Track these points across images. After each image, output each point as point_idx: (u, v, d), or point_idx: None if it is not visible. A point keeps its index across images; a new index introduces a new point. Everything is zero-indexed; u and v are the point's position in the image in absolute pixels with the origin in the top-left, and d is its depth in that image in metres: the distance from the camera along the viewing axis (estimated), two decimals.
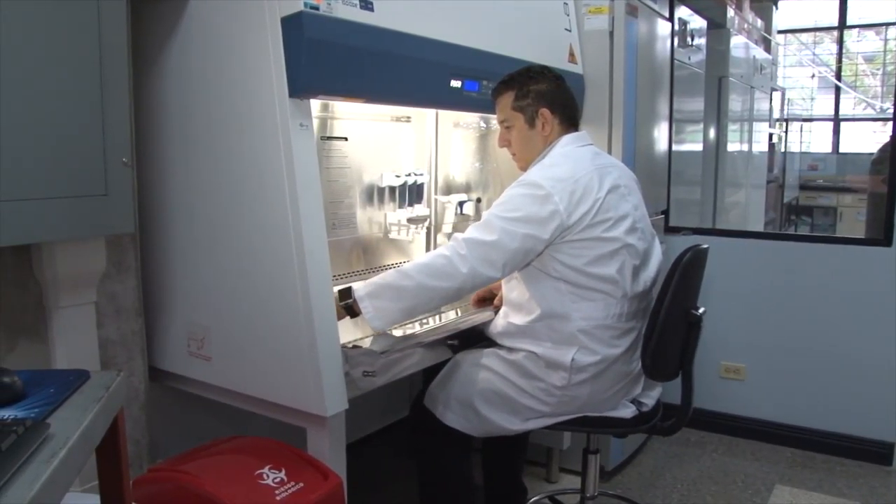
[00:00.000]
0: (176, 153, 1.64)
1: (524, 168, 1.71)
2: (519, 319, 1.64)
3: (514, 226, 1.51)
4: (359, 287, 1.52)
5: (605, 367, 1.59)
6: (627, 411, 1.67)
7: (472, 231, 1.53)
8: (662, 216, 2.87)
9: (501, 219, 1.52)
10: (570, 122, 1.71)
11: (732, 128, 4.08)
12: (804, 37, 7.60)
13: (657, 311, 1.60)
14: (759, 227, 4.69)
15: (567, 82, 1.73)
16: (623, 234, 1.58)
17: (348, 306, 1.51)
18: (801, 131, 7.10)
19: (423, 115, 2.43)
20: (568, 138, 1.68)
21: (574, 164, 1.59)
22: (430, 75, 1.72)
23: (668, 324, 1.60)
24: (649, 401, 1.72)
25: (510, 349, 1.66)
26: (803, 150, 7.09)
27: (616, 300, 1.58)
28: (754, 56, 4.48)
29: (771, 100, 5.11)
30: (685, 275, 1.62)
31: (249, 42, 1.45)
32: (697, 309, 1.69)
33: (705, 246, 1.74)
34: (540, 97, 1.67)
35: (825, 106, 7.46)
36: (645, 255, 1.65)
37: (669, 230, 2.91)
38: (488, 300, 1.86)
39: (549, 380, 1.60)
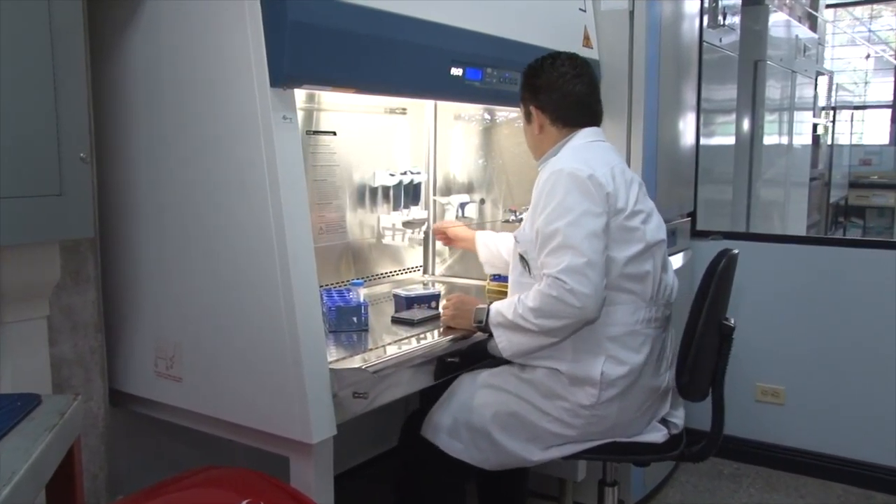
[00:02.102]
0: (142, 148, 1.67)
1: (539, 157, 1.78)
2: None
3: (588, 225, 1.55)
4: (494, 313, 1.65)
5: (634, 379, 1.63)
6: (659, 435, 1.70)
7: (553, 260, 1.54)
8: (688, 219, 2.89)
9: (572, 227, 1.54)
10: (571, 124, 1.73)
11: (770, 118, 4.08)
12: (858, 10, 7.48)
13: (693, 324, 1.64)
14: (801, 231, 4.69)
15: (587, 77, 1.74)
16: (654, 230, 1.66)
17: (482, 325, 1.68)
18: (852, 121, 7.05)
19: (420, 107, 2.46)
20: (583, 133, 1.72)
21: (598, 154, 1.66)
22: (429, 62, 1.75)
23: (704, 337, 1.65)
24: (678, 420, 1.76)
25: (524, 366, 1.68)
26: (854, 142, 7.06)
27: (645, 303, 1.64)
28: (797, 35, 4.48)
29: (816, 85, 5.10)
30: (721, 283, 1.67)
31: (225, 25, 1.47)
32: (729, 319, 1.74)
33: (735, 251, 1.78)
34: (533, 93, 1.73)
35: (882, 91, 7.36)
36: (666, 260, 1.72)
37: (697, 234, 2.93)
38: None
39: (574, 398, 1.62)
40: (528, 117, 1.76)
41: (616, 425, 1.65)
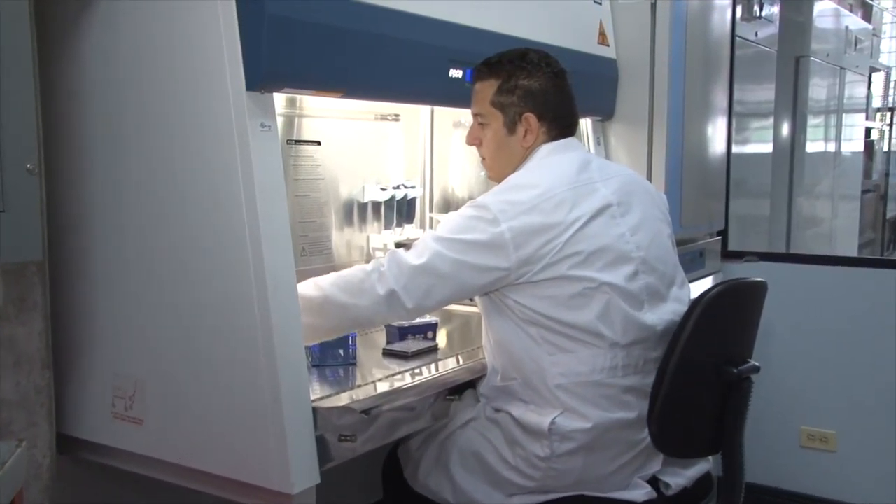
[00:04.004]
0: (99, 160, 1.68)
1: (496, 179, 1.77)
2: (493, 376, 1.72)
3: (448, 248, 1.59)
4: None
5: (600, 434, 1.61)
6: (639, 493, 1.66)
7: (402, 251, 1.63)
8: (719, 238, 2.90)
9: (436, 239, 1.61)
10: (562, 131, 1.74)
11: (814, 122, 4.09)
12: None
13: (665, 365, 1.60)
14: (852, 252, 4.69)
15: (568, 79, 1.75)
16: (599, 271, 1.59)
17: None
18: None
19: (415, 113, 2.50)
20: (548, 148, 1.72)
21: (549, 182, 1.63)
22: (425, 62, 1.79)
23: (682, 381, 1.60)
24: (677, 480, 1.70)
25: (497, 409, 1.72)
26: None
27: (603, 350, 1.61)
28: (847, 27, 4.47)
29: (870, 83, 5.10)
30: (709, 318, 1.62)
31: (194, 20, 1.49)
32: (739, 364, 1.67)
33: (757, 279, 1.76)
34: (528, 97, 1.70)
35: None
36: (651, 292, 1.67)
37: (728, 255, 2.93)
38: None
39: (530, 447, 1.63)
40: (511, 126, 1.72)
41: (582, 481, 1.64)
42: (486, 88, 1.73)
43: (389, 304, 1.59)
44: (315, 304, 1.61)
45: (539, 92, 1.71)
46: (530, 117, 1.71)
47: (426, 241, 1.62)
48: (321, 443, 1.50)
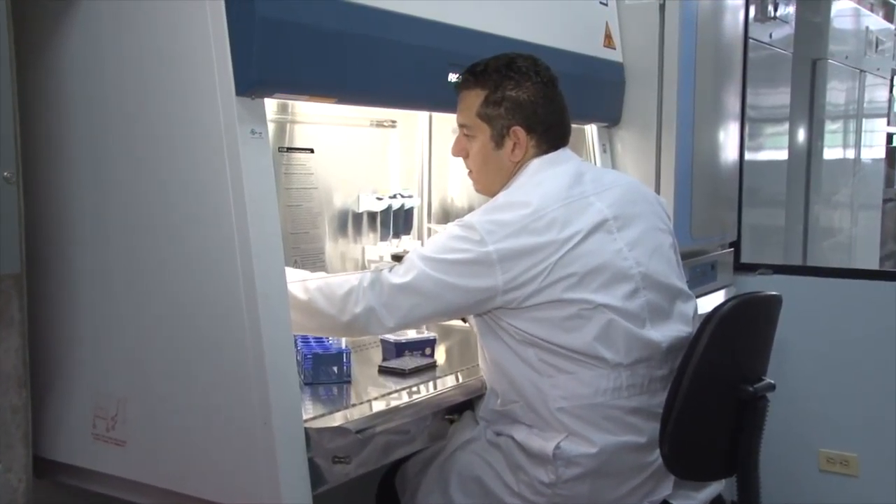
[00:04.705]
0: (81, 168, 1.69)
1: (484, 193, 1.79)
2: (493, 399, 1.73)
3: (433, 268, 1.59)
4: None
5: (607, 458, 1.61)
6: None
7: (386, 270, 1.64)
8: (731, 250, 2.91)
9: (421, 258, 1.61)
10: (553, 144, 1.74)
11: (832, 127, 4.10)
12: None
13: (677, 383, 1.61)
14: (873, 264, 4.69)
15: (559, 87, 1.74)
16: (595, 292, 1.59)
17: None
18: None
19: (412, 119, 2.51)
20: (538, 163, 1.71)
21: (539, 200, 1.63)
22: (422, 66, 1.81)
23: (696, 400, 1.61)
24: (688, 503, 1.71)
25: (498, 433, 1.72)
26: None
27: (605, 371, 1.61)
28: (867, 27, 4.46)
29: (892, 87, 5.10)
30: (724, 334, 1.63)
31: (182, 22, 1.50)
32: (755, 382, 1.68)
33: (772, 293, 1.77)
34: (516, 110, 1.69)
35: None
36: (653, 310, 1.67)
37: (741, 268, 2.94)
38: None
39: (534, 473, 1.64)
40: (499, 139, 1.71)
41: None
42: (472, 98, 1.72)
43: (367, 321, 1.61)
44: (301, 304, 1.63)
45: (528, 104, 1.69)
46: (518, 131, 1.70)
47: (412, 259, 1.63)
48: (314, 465, 1.50)
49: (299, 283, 1.66)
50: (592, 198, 1.68)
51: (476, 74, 1.72)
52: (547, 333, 1.60)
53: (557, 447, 1.60)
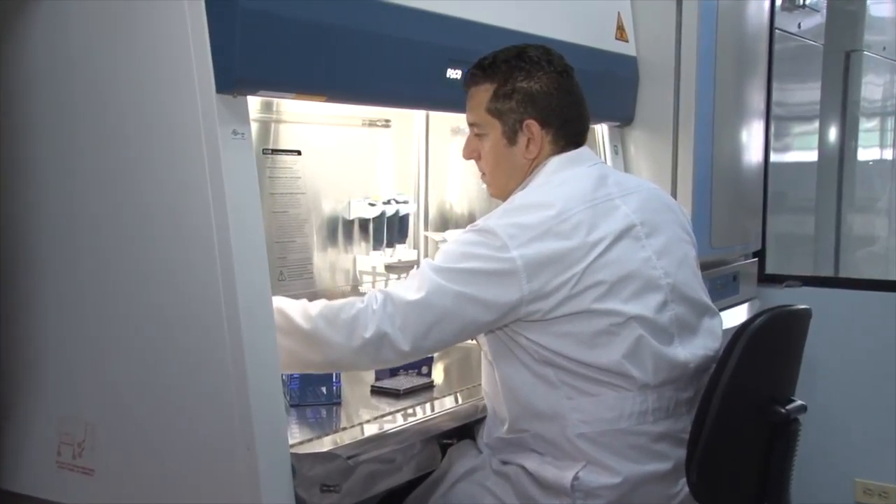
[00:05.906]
0: (49, 174, 1.69)
1: (499, 196, 1.77)
2: (497, 425, 1.70)
3: (450, 280, 1.57)
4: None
5: (631, 489, 1.60)
6: None
7: (396, 286, 1.62)
8: (755, 260, 2.92)
9: (435, 269, 1.58)
10: (571, 140, 1.73)
11: (867, 125, 4.10)
12: None
13: (705, 405, 1.60)
14: None
15: (575, 77, 1.73)
16: (625, 302, 1.58)
17: None
18: None
19: (408, 119, 2.52)
20: (557, 161, 1.70)
21: (564, 201, 1.62)
22: (419, 62, 1.82)
23: (726, 424, 1.60)
24: None
25: (505, 461, 1.70)
26: None
27: (632, 393, 1.60)
28: None
29: None
30: (754, 352, 1.62)
31: (157, 14, 1.50)
32: (784, 403, 1.68)
33: (801, 307, 1.77)
34: (528, 101, 1.68)
35: None
36: (682, 325, 1.67)
37: (767, 280, 2.94)
38: None
39: None
40: (511, 135, 1.70)
41: None
42: (481, 94, 1.72)
43: (379, 348, 1.56)
44: (304, 334, 1.58)
45: (540, 94, 1.69)
46: (532, 124, 1.69)
47: (424, 272, 1.60)
48: (300, 494, 1.50)
49: (299, 309, 1.61)
50: (618, 200, 1.68)
51: (484, 68, 1.72)
52: (571, 350, 1.58)
53: (576, 477, 1.59)
